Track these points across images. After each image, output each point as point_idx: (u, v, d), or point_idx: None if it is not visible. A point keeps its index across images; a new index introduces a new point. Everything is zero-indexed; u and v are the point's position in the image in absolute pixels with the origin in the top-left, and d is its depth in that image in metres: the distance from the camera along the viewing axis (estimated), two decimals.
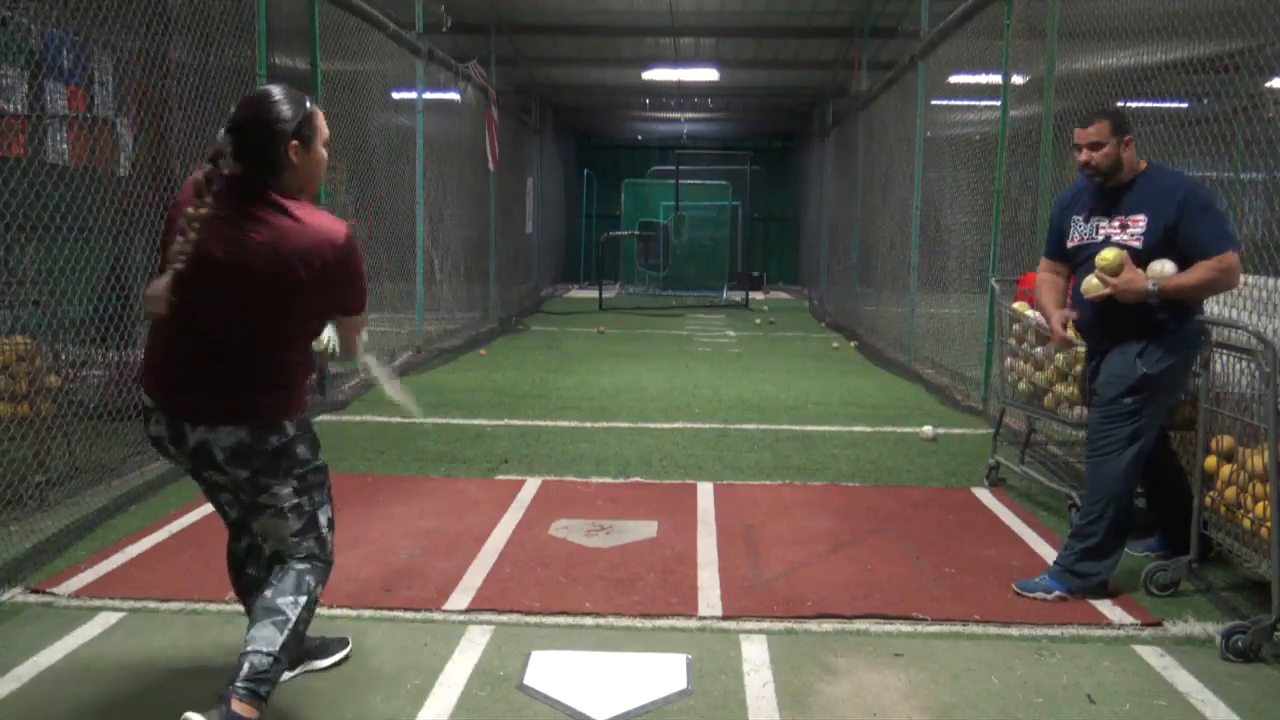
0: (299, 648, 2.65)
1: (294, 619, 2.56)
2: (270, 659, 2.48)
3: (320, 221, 2.52)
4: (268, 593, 2.61)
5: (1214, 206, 3.52)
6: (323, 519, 2.71)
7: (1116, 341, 3.63)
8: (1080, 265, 3.77)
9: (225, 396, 2.52)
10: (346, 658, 3.06)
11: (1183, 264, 3.48)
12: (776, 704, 2.85)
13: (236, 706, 2.36)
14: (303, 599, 2.60)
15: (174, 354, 2.54)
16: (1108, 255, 3.54)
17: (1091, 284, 3.59)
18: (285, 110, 2.50)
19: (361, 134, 8.27)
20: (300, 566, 2.67)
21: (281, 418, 2.59)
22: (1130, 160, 3.64)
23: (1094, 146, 3.62)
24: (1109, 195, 3.69)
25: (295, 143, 2.50)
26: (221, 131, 2.50)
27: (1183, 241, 3.48)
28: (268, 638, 2.50)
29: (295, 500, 2.64)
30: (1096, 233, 3.69)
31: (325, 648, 3.05)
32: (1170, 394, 3.71)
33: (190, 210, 2.43)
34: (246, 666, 2.44)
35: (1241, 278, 3.62)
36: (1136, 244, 3.55)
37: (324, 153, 2.62)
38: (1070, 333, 3.83)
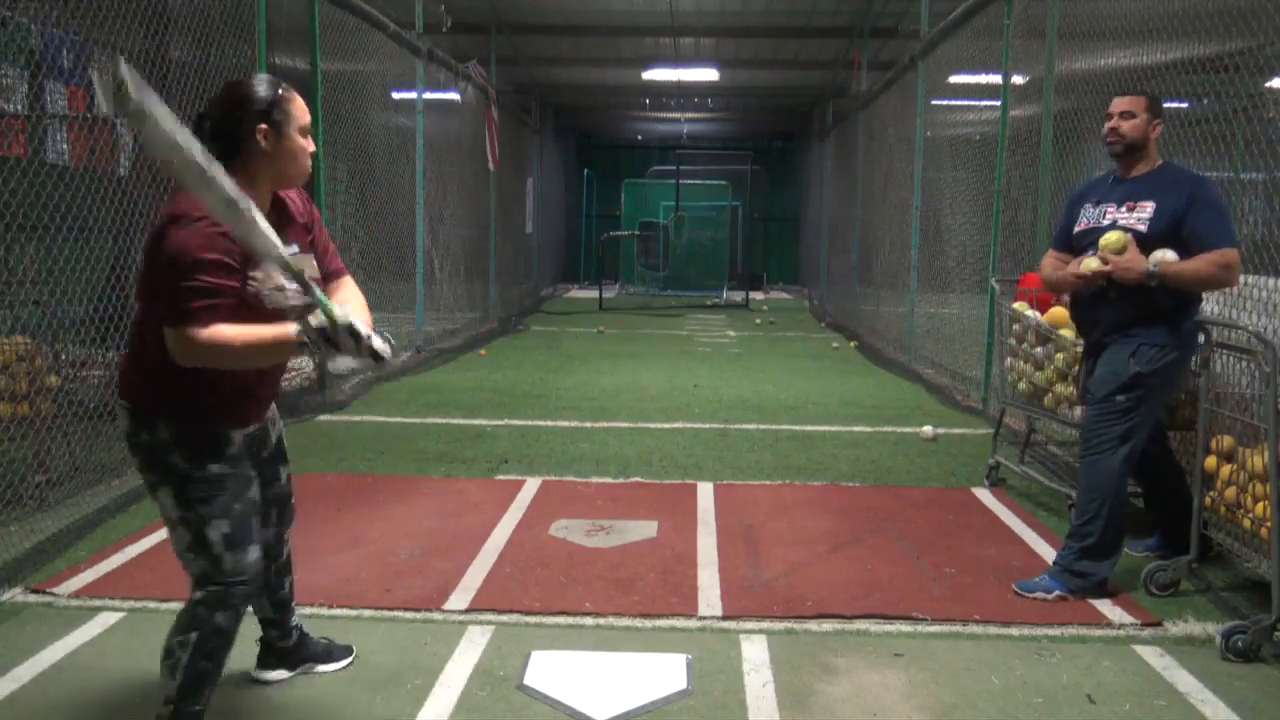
0: (204, 687, 2.41)
1: (184, 661, 2.36)
2: (170, 708, 2.35)
3: (179, 198, 2.29)
4: (169, 631, 2.43)
5: (1222, 205, 3.53)
6: (213, 535, 2.38)
7: (1111, 335, 3.63)
8: (1083, 249, 3.77)
9: (122, 371, 2.44)
10: (349, 666, 3.03)
11: (1185, 255, 3.49)
12: (776, 704, 2.85)
13: None
14: (193, 635, 2.37)
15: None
16: (1111, 236, 3.58)
17: (1090, 263, 3.59)
18: (254, 91, 2.38)
19: (362, 134, 8.27)
20: (194, 595, 2.42)
21: (151, 411, 2.37)
22: (1153, 149, 3.67)
23: (1125, 115, 3.66)
24: (1122, 187, 3.70)
25: (264, 126, 2.36)
26: (194, 118, 2.42)
27: (1188, 232, 3.49)
28: (164, 686, 2.37)
29: (179, 511, 2.39)
30: (1104, 217, 3.70)
31: (330, 653, 3.03)
32: (1164, 393, 3.71)
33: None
34: (154, 718, 2.36)
35: (1241, 277, 3.62)
36: (1142, 228, 3.56)
37: (301, 141, 2.43)
38: (1094, 263, 3.73)
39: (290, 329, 2.27)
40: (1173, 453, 4.11)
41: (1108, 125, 3.72)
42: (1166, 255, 3.49)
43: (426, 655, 3.12)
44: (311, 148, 2.48)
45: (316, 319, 2.25)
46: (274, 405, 2.77)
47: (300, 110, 2.44)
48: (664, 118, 21.11)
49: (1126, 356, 3.57)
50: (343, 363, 2.32)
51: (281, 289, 2.34)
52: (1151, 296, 3.50)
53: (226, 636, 2.43)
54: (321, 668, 2.99)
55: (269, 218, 2.28)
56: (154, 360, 2.33)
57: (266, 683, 2.93)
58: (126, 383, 2.42)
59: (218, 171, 2.10)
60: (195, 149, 2.07)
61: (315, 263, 2.56)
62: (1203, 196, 3.50)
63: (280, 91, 2.41)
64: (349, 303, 2.47)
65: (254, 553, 2.46)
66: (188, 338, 2.21)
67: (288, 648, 2.94)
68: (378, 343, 2.28)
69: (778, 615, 3.47)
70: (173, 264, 2.21)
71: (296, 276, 2.26)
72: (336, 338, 2.23)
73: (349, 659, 3.05)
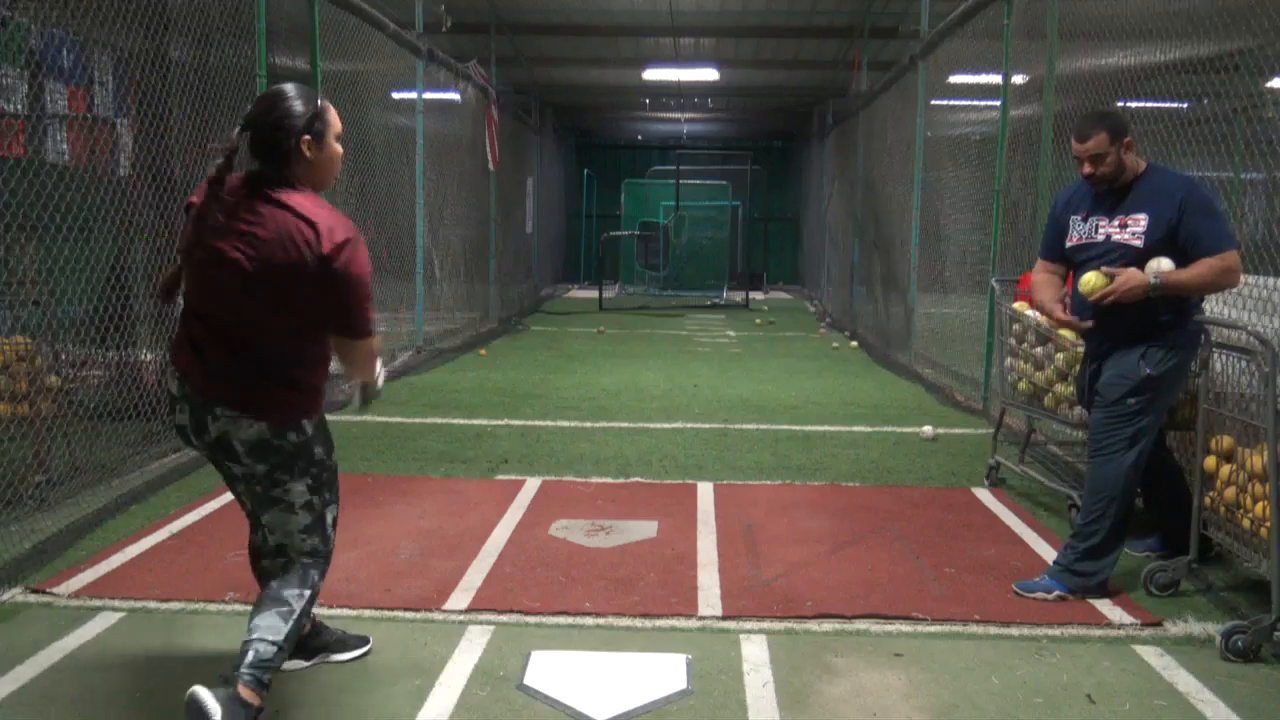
0: (297, 639, 2.71)
1: (298, 610, 2.63)
2: (274, 647, 2.54)
3: (325, 215, 2.54)
4: (274, 583, 2.68)
5: (1215, 206, 3.52)
6: (329, 517, 2.77)
7: (1117, 343, 3.64)
8: (1079, 265, 3.77)
9: (244, 389, 2.58)
10: (365, 654, 3.10)
11: (1183, 262, 3.48)
12: (776, 704, 2.85)
13: (243, 693, 2.42)
14: (307, 592, 2.68)
15: (200, 345, 2.60)
16: (1089, 279, 3.56)
17: (1090, 282, 3.58)
18: (296, 106, 2.57)
19: (362, 134, 8.27)
20: (306, 561, 2.73)
21: (300, 416, 2.65)
22: (1131, 161, 3.64)
23: (1095, 159, 3.61)
24: (1109, 195, 3.69)
25: (308, 138, 2.57)
26: (236, 129, 2.58)
27: (1185, 240, 3.48)
28: (272, 626, 2.57)
29: (308, 497, 2.69)
30: (1096, 232, 3.69)
31: (344, 642, 3.11)
32: (1171, 394, 3.71)
33: (198, 203, 2.54)
34: (251, 654, 2.50)
35: (1242, 277, 3.62)
36: (1137, 242, 3.55)
37: (338, 147, 2.67)
38: (1072, 318, 3.79)
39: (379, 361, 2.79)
40: (1172, 452, 4.11)
41: (1082, 171, 3.67)
42: (1163, 265, 3.48)
43: (426, 655, 3.12)
44: (342, 152, 2.72)
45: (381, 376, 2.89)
46: None
47: (335, 119, 2.67)
48: (664, 118, 21.12)
49: (1136, 359, 3.56)
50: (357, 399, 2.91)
51: None
52: (1154, 304, 3.49)
53: (317, 598, 2.77)
54: (336, 657, 3.06)
55: None
56: (293, 370, 2.62)
57: (282, 670, 2.93)
58: (263, 401, 2.59)
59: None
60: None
61: None
62: (1193, 201, 3.48)
63: (319, 103, 2.62)
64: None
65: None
66: (368, 346, 2.66)
67: (305, 636, 3.01)
68: (380, 383, 2.85)
69: (778, 615, 3.47)
70: (364, 281, 2.57)
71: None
72: (378, 393, 2.86)
73: (365, 647, 3.12)
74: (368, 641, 3.15)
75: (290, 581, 2.69)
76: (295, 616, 2.62)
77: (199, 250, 2.54)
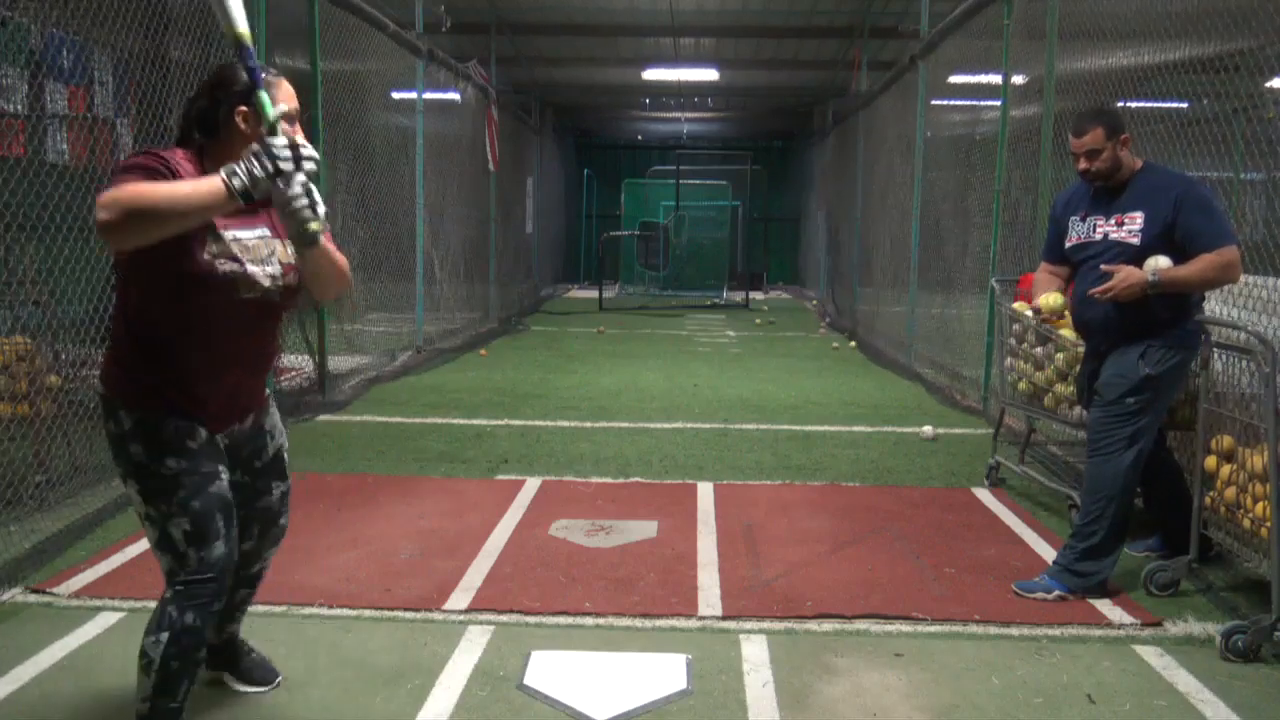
0: (179, 684, 2.35)
1: (157, 661, 2.32)
2: (146, 704, 2.33)
3: None
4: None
5: (1212, 202, 3.52)
6: (175, 532, 2.34)
7: (1117, 342, 3.64)
8: (1079, 265, 3.78)
9: (104, 358, 2.44)
10: (269, 690, 2.85)
11: (1182, 259, 3.48)
12: (776, 704, 2.85)
13: None
14: (163, 636, 2.32)
15: None
16: (1048, 300, 3.75)
17: (1049, 303, 3.67)
18: (235, 74, 2.33)
19: (362, 134, 8.27)
20: (164, 596, 2.39)
21: (117, 399, 2.35)
22: (1127, 159, 3.64)
23: (1091, 155, 3.62)
24: (1105, 194, 3.69)
25: (244, 109, 2.33)
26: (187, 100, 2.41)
27: (1183, 237, 3.48)
28: (140, 687, 2.34)
29: (144, 507, 2.36)
30: (1094, 231, 3.69)
31: (252, 671, 2.87)
32: (1171, 394, 3.71)
33: None
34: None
35: (1242, 276, 3.62)
36: (1134, 240, 3.56)
37: (285, 127, 2.29)
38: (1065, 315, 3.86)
39: (217, 176, 2.15)
40: (1172, 452, 4.11)
41: (1078, 167, 3.68)
42: (1160, 262, 3.48)
43: (426, 655, 3.12)
44: (296, 135, 2.30)
45: (246, 161, 2.15)
46: (276, 416, 2.70)
47: (284, 95, 2.35)
48: (664, 118, 21.11)
49: (1136, 358, 3.57)
50: (279, 196, 2.19)
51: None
52: (1154, 303, 3.49)
53: (197, 634, 2.37)
54: (236, 684, 2.84)
55: None
56: (122, 347, 2.35)
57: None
58: (103, 372, 2.41)
59: None
60: None
61: (289, 248, 2.45)
62: (1189, 198, 3.48)
63: (266, 75, 2.34)
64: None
65: (219, 548, 2.39)
66: (109, 198, 2.10)
67: (213, 646, 2.78)
68: (317, 198, 2.21)
69: (778, 615, 3.47)
70: (122, 167, 2.22)
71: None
72: (274, 158, 2.15)
73: (268, 687, 2.85)
74: (278, 676, 2.89)
75: (147, 628, 2.36)
76: (156, 670, 2.31)
77: None
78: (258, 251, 2.38)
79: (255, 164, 2.15)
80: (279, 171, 2.17)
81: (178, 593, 2.36)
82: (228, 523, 2.42)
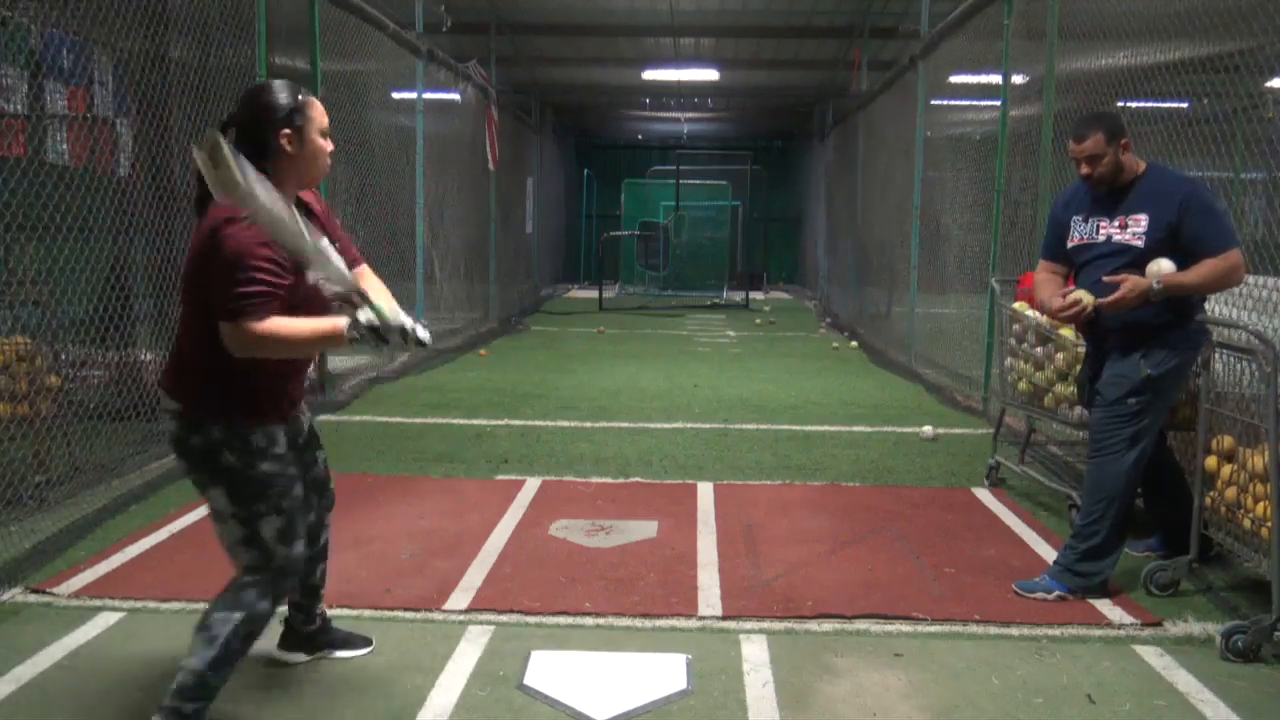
0: (231, 664, 2.52)
1: (223, 636, 2.47)
2: (194, 677, 2.44)
3: (224, 209, 2.38)
4: (212, 603, 2.55)
5: (1216, 205, 3.52)
6: (266, 531, 2.54)
7: (1119, 343, 3.63)
8: (1080, 265, 3.77)
9: (168, 374, 2.57)
10: (368, 654, 3.11)
11: (1186, 262, 3.47)
12: (776, 704, 2.85)
13: None
14: (236, 615, 2.50)
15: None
16: (1086, 295, 3.62)
17: (1081, 296, 3.61)
18: (276, 99, 2.51)
19: (361, 134, 8.27)
20: (243, 579, 2.57)
21: (203, 414, 2.49)
22: (1129, 162, 3.64)
23: (1092, 160, 3.61)
24: (1108, 196, 3.69)
25: (287, 131, 2.51)
26: (217, 127, 2.47)
27: (1187, 240, 3.47)
28: (197, 654, 2.47)
29: (233, 509, 2.53)
30: (1097, 233, 3.69)
31: (349, 641, 3.12)
32: (1172, 394, 3.71)
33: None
34: (175, 683, 2.46)
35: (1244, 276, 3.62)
36: (1138, 243, 3.55)
37: (321, 142, 2.58)
38: (1079, 295, 3.74)
39: (341, 322, 2.42)
40: (1172, 452, 4.11)
41: (1080, 172, 3.68)
42: (1163, 266, 3.47)
43: (426, 655, 3.12)
44: (330, 147, 2.61)
45: (365, 315, 2.42)
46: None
47: (319, 113, 2.58)
48: (664, 118, 21.10)
49: (1137, 359, 3.56)
50: (388, 352, 2.49)
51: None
52: (1156, 305, 3.49)
53: (264, 622, 2.56)
54: (339, 653, 3.08)
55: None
56: (204, 363, 2.48)
57: (285, 663, 3.02)
58: (174, 388, 2.52)
59: (285, 213, 2.35)
60: (279, 205, 2.32)
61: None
62: (1194, 202, 3.48)
63: (300, 97, 2.55)
64: (382, 294, 2.62)
65: (300, 546, 2.62)
66: (245, 330, 2.34)
67: (311, 632, 3.04)
68: (422, 333, 2.48)
69: (778, 615, 3.47)
70: (234, 260, 2.34)
71: (355, 290, 2.48)
72: (388, 334, 2.43)
73: (368, 649, 3.12)
74: (371, 643, 3.15)
75: (219, 603, 2.53)
76: (221, 642, 2.46)
77: None
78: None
79: (373, 337, 2.42)
80: (389, 344, 2.48)
81: (260, 580, 2.56)
82: (304, 523, 2.66)
